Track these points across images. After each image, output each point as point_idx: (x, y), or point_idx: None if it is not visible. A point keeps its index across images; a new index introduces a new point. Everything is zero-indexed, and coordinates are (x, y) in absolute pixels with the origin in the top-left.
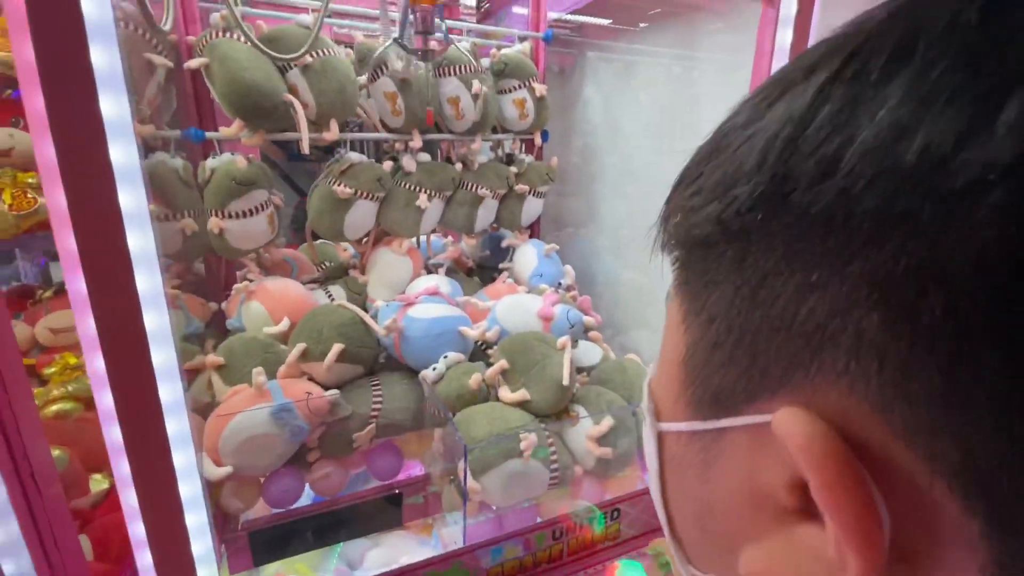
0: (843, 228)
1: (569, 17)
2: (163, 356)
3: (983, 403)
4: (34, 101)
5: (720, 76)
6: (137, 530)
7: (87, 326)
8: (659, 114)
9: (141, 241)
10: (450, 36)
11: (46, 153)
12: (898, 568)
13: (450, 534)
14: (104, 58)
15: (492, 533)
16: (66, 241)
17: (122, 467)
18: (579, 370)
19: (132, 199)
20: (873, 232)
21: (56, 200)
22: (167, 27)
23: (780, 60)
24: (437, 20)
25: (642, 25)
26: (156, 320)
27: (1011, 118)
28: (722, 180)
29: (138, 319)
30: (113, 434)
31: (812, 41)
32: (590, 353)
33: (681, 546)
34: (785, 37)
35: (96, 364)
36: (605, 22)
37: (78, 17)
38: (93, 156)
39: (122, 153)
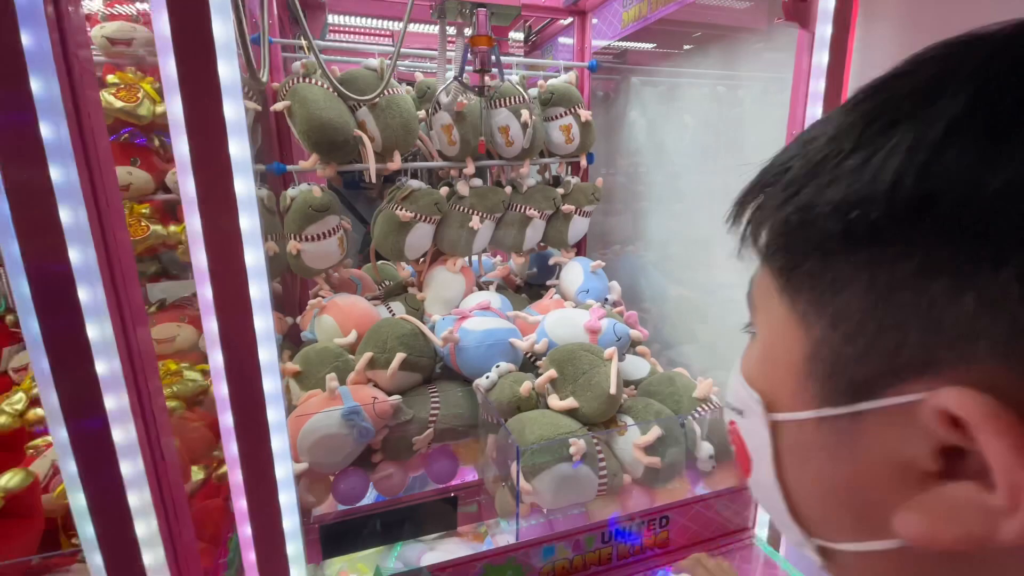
0: (994, 238)
1: (614, 44)
2: (267, 354)
3: None
4: (179, 146)
5: (763, 94)
6: (241, 504)
7: (211, 327)
8: (703, 133)
9: (254, 257)
10: (504, 71)
11: (188, 187)
12: None
13: (503, 539)
14: (232, 111)
15: (544, 535)
16: (199, 258)
17: (232, 448)
18: (626, 383)
19: (249, 223)
20: (1020, 241)
21: (193, 225)
22: (264, 78)
23: (817, 81)
24: (492, 58)
25: (686, 47)
26: (263, 323)
27: None
28: (844, 199)
29: (250, 322)
30: (226, 419)
31: (852, 62)
32: (637, 367)
33: (803, 525)
34: (822, 58)
35: (216, 359)
36: (649, 46)
37: (216, 80)
38: (224, 189)
39: (243, 186)
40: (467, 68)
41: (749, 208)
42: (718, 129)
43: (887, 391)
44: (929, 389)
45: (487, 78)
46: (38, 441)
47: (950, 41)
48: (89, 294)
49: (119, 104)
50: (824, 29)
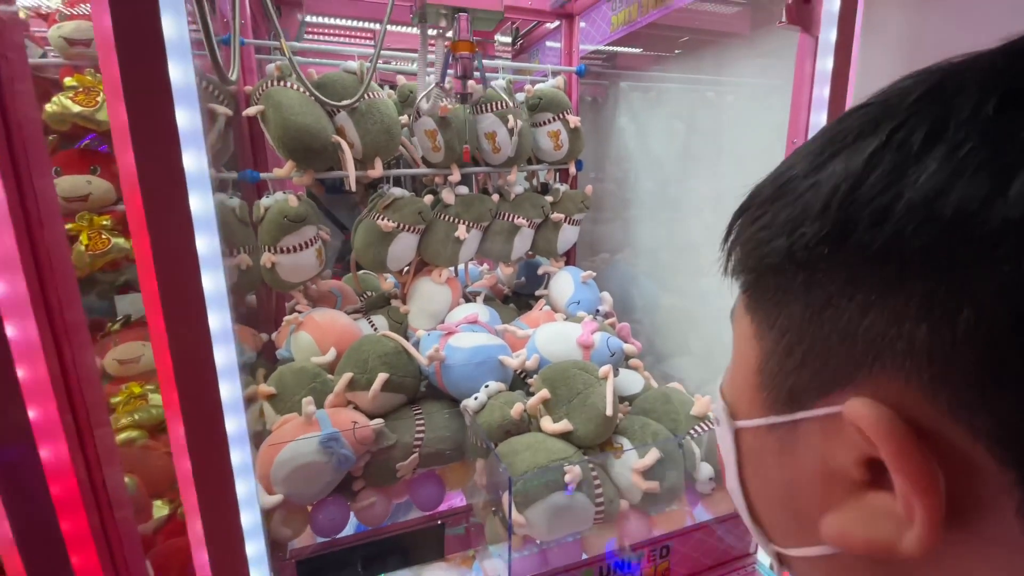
0: (897, 261)
1: (603, 48)
2: (229, 389)
3: (1010, 386)
4: (125, 157)
5: (753, 100)
6: (201, 558)
7: (164, 361)
8: (693, 139)
9: (214, 283)
10: (487, 75)
11: (135, 203)
12: (951, 514)
13: (492, 566)
14: (187, 119)
15: (537, 568)
16: (148, 283)
17: (190, 497)
18: (621, 400)
19: (207, 244)
20: (921, 265)
21: (142, 246)
22: (233, 78)
23: (821, 86)
24: (475, 64)
25: (675, 52)
26: (224, 356)
27: (1019, 188)
28: (789, 219)
29: (209, 355)
30: (183, 466)
31: (855, 67)
32: (631, 382)
33: (763, 529)
34: (826, 63)
35: (171, 397)
36: (638, 51)
37: (166, 85)
38: (176, 206)
39: (200, 202)
40: (449, 73)
41: (735, 230)
42: (708, 135)
43: (817, 402)
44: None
45: (471, 84)
46: None
47: (911, 74)
48: (16, 329)
49: (77, 108)
50: (829, 33)
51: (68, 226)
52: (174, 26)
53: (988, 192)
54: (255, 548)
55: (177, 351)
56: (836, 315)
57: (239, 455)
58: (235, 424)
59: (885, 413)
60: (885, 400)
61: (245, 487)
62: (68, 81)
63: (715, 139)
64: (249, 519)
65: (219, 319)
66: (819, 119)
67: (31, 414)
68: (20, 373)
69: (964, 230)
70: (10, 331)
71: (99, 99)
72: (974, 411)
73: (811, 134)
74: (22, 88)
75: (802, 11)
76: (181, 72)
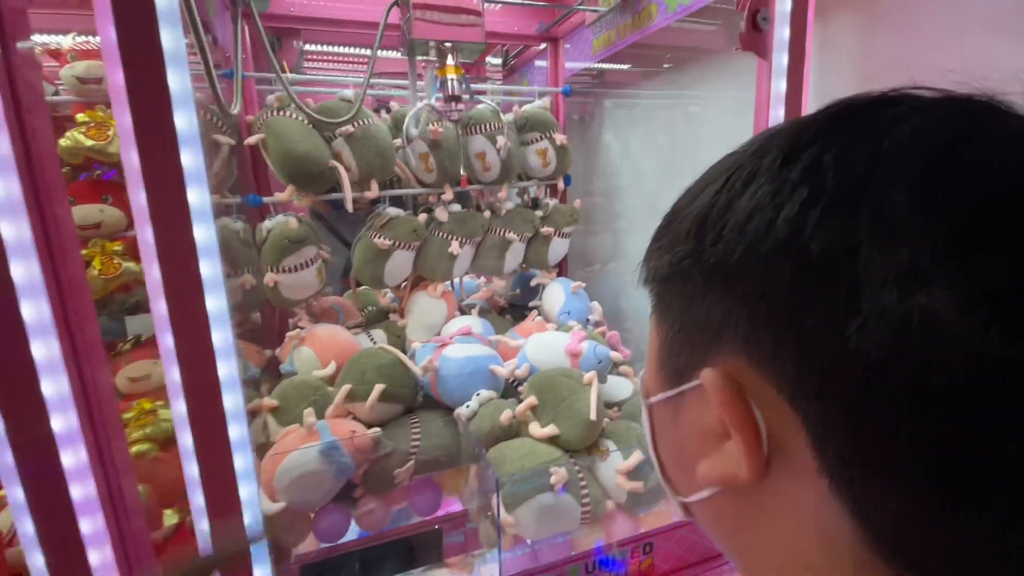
0: (727, 269)
1: (590, 65)
2: (232, 400)
3: (786, 354)
4: (138, 195)
5: (730, 114)
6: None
7: (173, 375)
8: (675, 152)
9: (217, 304)
10: (476, 97)
11: (146, 235)
12: (774, 448)
13: (489, 571)
14: (190, 159)
15: (528, 567)
16: (159, 305)
17: (197, 499)
18: (609, 405)
19: (210, 269)
20: (739, 271)
21: (152, 273)
22: (235, 111)
23: (777, 108)
24: (462, 86)
25: (656, 70)
26: (227, 369)
27: (785, 216)
28: (671, 241)
29: (213, 369)
30: (191, 471)
31: (808, 89)
32: (620, 388)
33: (671, 483)
34: (780, 86)
35: (179, 408)
36: (622, 67)
37: (172, 130)
38: (182, 236)
39: (203, 232)
40: (437, 96)
41: (646, 251)
42: (689, 148)
43: (691, 375)
44: None
45: (460, 106)
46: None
47: (762, 132)
48: (43, 348)
49: (89, 143)
50: (780, 58)
51: (83, 252)
52: (179, 80)
53: (768, 221)
54: (256, 549)
55: (185, 365)
56: (697, 310)
57: (241, 460)
58: (237, 432)
59: (719, 376)
60: (724, 368)
61: (247, 490)
62: (80, 117)
63: (695, 152)
64: (251, 519)
65: (222, 336)
66: None
67: (54, 426)
68: (44, 389)
69: (757, 247)
70: (35, 351)
71: (110, 133)
72: (775, 371)
73: None
74: (41, 125)
75: (754, 38)
76: (186, 120)
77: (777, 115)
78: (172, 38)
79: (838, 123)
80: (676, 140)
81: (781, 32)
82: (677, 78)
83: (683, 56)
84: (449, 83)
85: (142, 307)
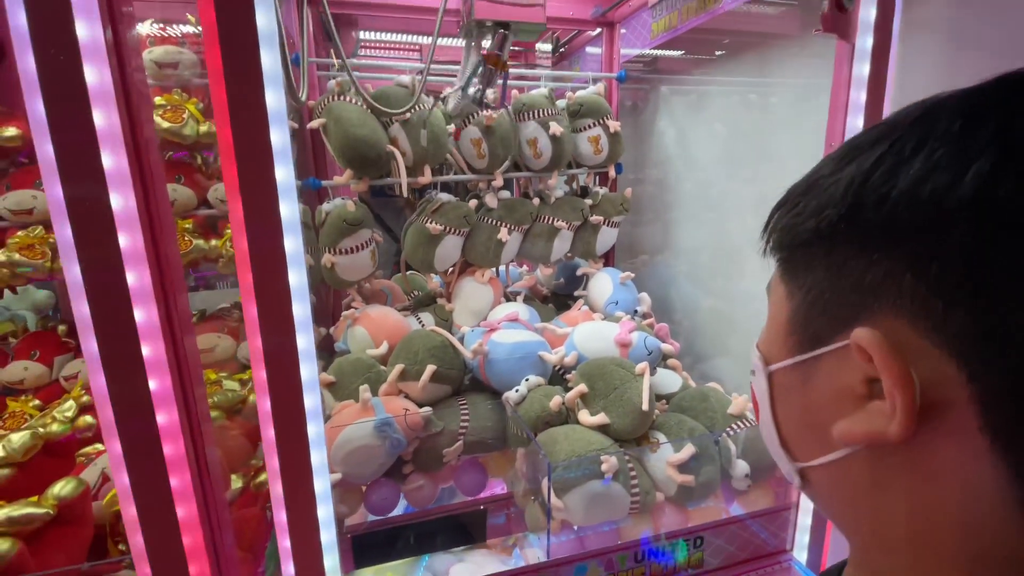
0: (892, 231)
1: (644, 53)
2: (308, 371)
3: (958, 312)
4: (229, 170)
5: (796, 101)
6: (281, 517)
7: (255, 344)
8: (735, 141)
9: (297, 278)
10: (526, 82)
11: (236, 210)
12: (926, 406)
13: (532, 554)
14: (278, 137)
15: (573, 552)
16: (246, 277)
17: (273, 461)
18: (658, 398)
19: (293, 244)
20: (907, 232)
21: (240, 245)
22: (303, 97)
23: (858, 91)
24: (499, 81)
25: (717, 54)
26: (304, 341)
27: (970, 179)
28: (818, 206)
29: (292, 340)
30: (268, 433)
31: (892, 71)
32: (669, 381)
33: (789, 451)
34: (862, 70)
35: (260, 375)
36: (679, 54)
37: (263, 109)
38: (270, 212)
39: (287, 210)
40: (474, 82)
41: (773, 220)
42: (750, 137)
43: (835, 338)
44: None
45: (489, 94)
46: (88, 449)
47: (913, 104)
48: (144, 313)
49: (166, 124)
50: (865, 40)
51: None
52: (270, 60)
53: (950, 181)
54: (325, 511)
55: (266, 334)
56: (850, 272)
57: (315, 428)
58: (312, 400)
59: (878, 335)
60: (880, 328)
61: (318, 457)
62: (157, 100)
63: (757, 141)
64: (321, 486)
65: (301, 308)
66: (855, 123)
67: (151, 385)
68: (144, 351)
69: (934, 207)
70: (138, 315)
71: (184, 116)
72: (939, 331)
73: (848, 136)
74: (145, 107)
75: (838, 19)
76: (275, 98)
77: (858, 99)
78: (266, 21)
79: (1020, 91)
80: (737, 129)
81: (867, 13)
82: (738, 64)
83: (745, 41)
84: (488, 72)
85: (207, 284)
